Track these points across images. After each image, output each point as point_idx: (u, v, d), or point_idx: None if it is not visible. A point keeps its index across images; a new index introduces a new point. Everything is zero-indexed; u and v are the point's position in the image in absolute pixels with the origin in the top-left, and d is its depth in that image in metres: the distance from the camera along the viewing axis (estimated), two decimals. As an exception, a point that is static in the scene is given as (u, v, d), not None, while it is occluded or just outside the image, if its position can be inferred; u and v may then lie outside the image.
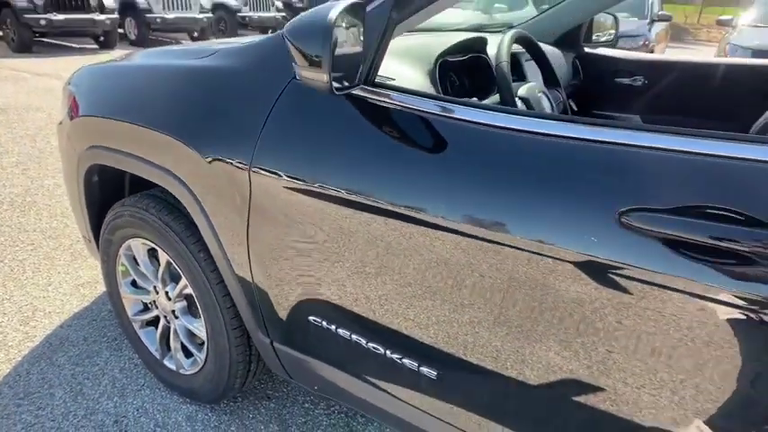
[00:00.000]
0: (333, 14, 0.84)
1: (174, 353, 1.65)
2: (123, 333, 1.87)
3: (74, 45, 9.69)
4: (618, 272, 0.75)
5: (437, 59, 1.33)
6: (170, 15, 10.01)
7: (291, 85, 1.09)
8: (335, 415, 1.66)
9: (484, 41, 1.56)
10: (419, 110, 1.00)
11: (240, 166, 1.14)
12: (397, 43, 1.34)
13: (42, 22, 8.21)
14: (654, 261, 0.72)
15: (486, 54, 1.60)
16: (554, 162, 0.83)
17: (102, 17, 8.85)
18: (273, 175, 1.10)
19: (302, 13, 0.92)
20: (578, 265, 0.78)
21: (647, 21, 7.03)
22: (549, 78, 1.67)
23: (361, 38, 0.93)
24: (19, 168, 3.60)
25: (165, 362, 1.69)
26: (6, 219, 2.83)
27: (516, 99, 1.31)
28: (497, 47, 1.34)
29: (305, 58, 0.91)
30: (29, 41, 8.45)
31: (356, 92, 1.01)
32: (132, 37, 10.30)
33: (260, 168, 1.11)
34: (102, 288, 2.24)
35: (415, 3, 0.98)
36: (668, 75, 2.13)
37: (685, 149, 0.74)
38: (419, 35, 1.56)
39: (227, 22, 11.46)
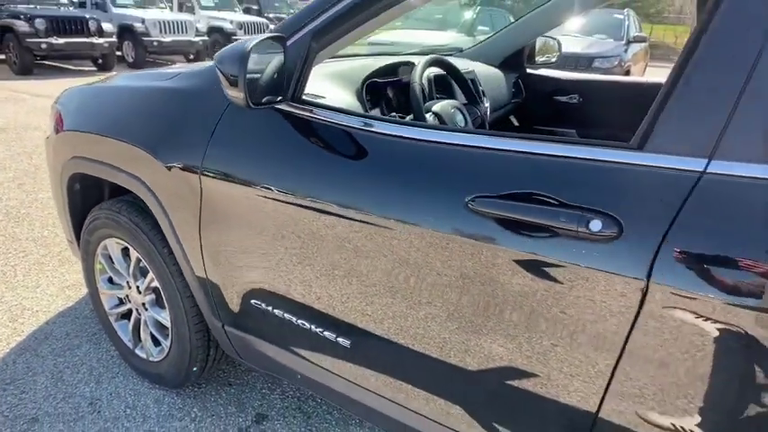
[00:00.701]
0: (249, 45, 1.06)
1: (144, 342, 1.84)
2: (102, 327, 2.06)
3: (73, 67, 10.00)
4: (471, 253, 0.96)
5: (364, 81, 1.56)
6: (166, 39, 10.35)
7: (232, 102, 1.30)
8: (289, 399, 1.84)
9: (411, 65, 1.78)
10: (341, 123, 1.21)
11: (193, 171, 1.35)
12: (332, 67, 1.56)
13: (43, 46, 8.53)
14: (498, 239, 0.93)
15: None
16: (431, 162, 1.04)
17: (101, 41, 9.17)
18: (218, 179, 1.31)
19: (229, 44, 1.14)
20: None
21: (623, 42, 7.33)
22: (468, 97, 1.89)
23: (283, 64, 1.14)
24: (15, 183, 3.81)
25: (137, 351, 1.87)
26: (1, 229, 3.03)
27: (430, 114, 1.53)
28: (413, 70, 1.56)
29: (227, 80, 1.12)
30: (30, 64, 8.75)
31: (283, 107, 1.23)
32: (130, 59, 10.62)
33: (208, 173, 1.32)
34: (85, 290, 2.43)
35: (331, 35, 1.20)
36: (600, 93, 2.35)
37: (520, 150, 0.95)
38: (354, 59, 1.79)
39: (222, 45, 11.80)
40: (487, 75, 2.09)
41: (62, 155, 1.80)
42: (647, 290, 0.79)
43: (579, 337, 0.89)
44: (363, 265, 1.12)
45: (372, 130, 1.14)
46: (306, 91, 1.30)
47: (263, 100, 1.13)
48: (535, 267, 0.89)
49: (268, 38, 1.10)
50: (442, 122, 1.53)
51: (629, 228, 0.81)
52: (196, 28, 10.88)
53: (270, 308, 1.36)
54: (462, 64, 2.05)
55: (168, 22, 10.51)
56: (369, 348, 1.22)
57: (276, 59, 1.15)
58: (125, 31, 10.30)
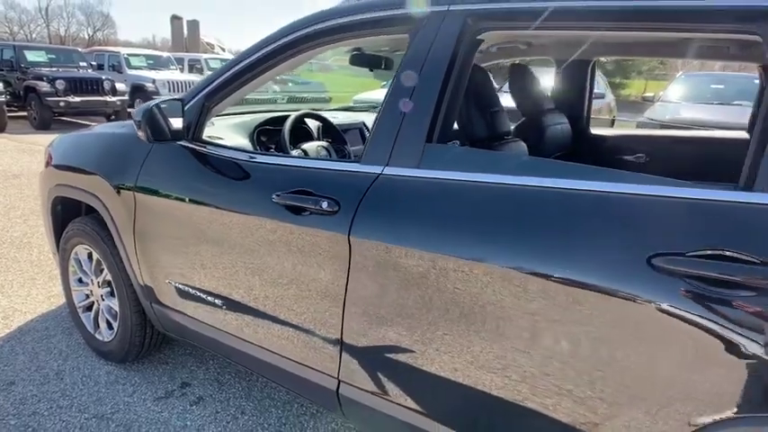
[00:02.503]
0: (151, 103, 1.67)
1: (100, 328, 2.38)
2: (73, 320, 2.60)
3: (88, 122, 10.95)
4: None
5: (255, 128, 2.17)
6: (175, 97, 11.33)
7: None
8: (210, 372, 2.35)
9: (286, 117, 2.38)
10: (228, 156, 1.79)
11: (130, 190, 1.94)
12: (236, 119, 2.17)
13: (62, 104, 9.49)
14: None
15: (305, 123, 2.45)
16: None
17: (114, 99, 10.14)
18: (145, 194, 1.89)
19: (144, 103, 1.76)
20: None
21: (583, 99, 8.06)
22: (335, 138, 2.51)
23: (182, 117, 1.75)
24: (22, 219, 4.46)
25: (96, 335, 2.41)
26: (4, 253, 3.64)
27: (298, 150, 2.13)
28: (285, 122, 2.19)
29: (137, 125, 1.72)
30: (49, 120, 9.69)
31: (185, 143, 1.83)
32: (141, 115, 11.57)
33: (139, 191, 1.91)
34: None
35: (218, 96, 1.81)
36: None
37: (311, 166, 1.52)
38: (254, 115, 2.41)
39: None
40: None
41: (48, 183, 2.42)
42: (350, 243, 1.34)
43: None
44: (243, 251, 1.66)
45: (253, 160, 1.70)
46: (209, 134, 1.91)
47: (165, 138, 1.72)
48: (303, 236, 1.44)
49: (171, 99, 1.72)
50: (308, 156, 2.12)
51: (343, 205, 1.37)
52: (202, 87, 11.86)
53: (179, 285, 1.91)
54: (357, 117, 2.68)
55: (177, 82, 11.54)
56: (246, 311, 1.74)
57: (178, 113, 1.76)
58: (137, 90, 11.32)
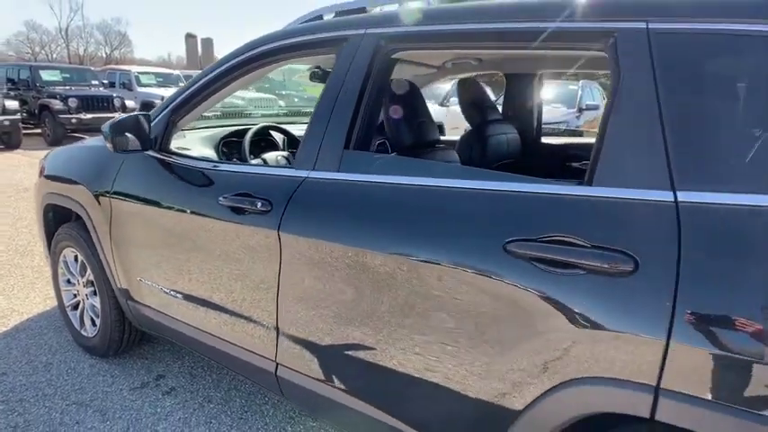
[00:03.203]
0: (117, 119, 1.88)
1: (86, 324, 2.58)
2: (63, 319, 2.81)
3: (100, 138, 11.35)
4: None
5: (220, 140, 2.38)
6: (183, 113, 11.72)
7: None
8: (185, 367, 2.53)
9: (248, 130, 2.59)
10: (190, 165, 1.98)
11: (106, 196, 2.15)
12: (205, 132, 2.38)
13: (74, 121, 9.89)
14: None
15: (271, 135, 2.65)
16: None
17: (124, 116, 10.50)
18: (119, 199, 2.10)
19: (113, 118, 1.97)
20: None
21: (575, 110, 8.21)
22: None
23: (149, 131, 1.96)
24: (27, 229, 4.73)
25: (81, 331, 2.62)
26: (9, 259, 3.89)
27: (259, 159, 2.32)
28: (246, 133, 2.40)
29: (105, 137, 1.93)
30: (61, 136, 10.08)
31: (152, 153, 2.03)
32: (150, 131, 11.98)
33: (114, 196, 2.12)
34: (60, 299, 3.20)
35: (182, 110, 2.02)
36: None
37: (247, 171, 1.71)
38: (221, 128, 2.63)
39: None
40: None
41: (41, 192, 2.64)
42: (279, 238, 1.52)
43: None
44: (196, 249, 1.85)
45: (210, 168, 1.89)
46: (180, 145, 2.12)
47: (127, 149, 1.92)
48: (243, 233, 1.63)
49: (138, 115, 1.93)
50: (267, 165, 2.32)
51: (275, 205, 1.55)
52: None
53: (148, 282, 2.10)
54: None
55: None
56: (201, 303, 1.93)
57: (145, 127, 1.96)
58: (147, 107, 11.68)
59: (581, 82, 8.80)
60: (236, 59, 1.84)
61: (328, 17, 1.77)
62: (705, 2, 1.05)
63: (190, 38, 36.70)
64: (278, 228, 1.52)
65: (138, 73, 13.19)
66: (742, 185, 0.94)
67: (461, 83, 2.59)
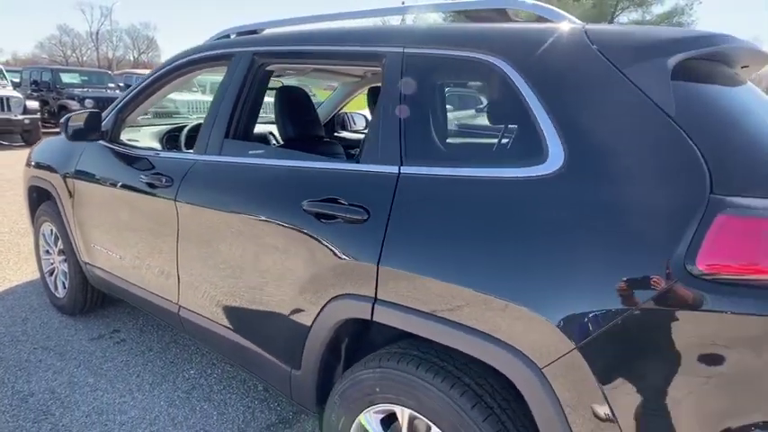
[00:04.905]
0: (71, 115, 2.36)
1: (58, 288, 3.09)
2: (42, 284, 3.32)
3: (115, 138, 12.06)
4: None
5: (164, 134, 2.86)
6: (193, 115, 12.34)
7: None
8: (138, 323, 3.01)
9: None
10: (138, 153, 2.47)
11: (69, 176, 2.65)
12: (155, 128, 2.87)
13: (89, 120, 10.56)
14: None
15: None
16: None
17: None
18: (80, 180, 2.59)
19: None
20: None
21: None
22: None
23: (99, 124, 2.44)
24: (31, 215, 5.31)
25: (56, 294, 3.12)
26: (10, 239, 4.45)
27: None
28: (182, 129, 2.88)
29: (60, 128, 2.42)
30: (78, 135, 10.77)
31: (104, 143, 2.52)
32: (162, 132, 12.65)
33: (76, 177, 2.61)
34: (46, 271, 3.72)
35: (128, 108, 2.50)
36: None
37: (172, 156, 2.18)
38: (169, 125, 3.11)
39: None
40: None
41: (26, 176, 3.17)
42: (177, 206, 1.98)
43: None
44: (127, 217, 2.33)
45: (149, 156, 2.36)
46: (131, 137, 2.61)
47: (78, 137, 2.41)
48: (154, 203, 2.08)
49: (90, 110, 2.42)
50: None
51: (175, 181, 2.01)
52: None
53: (99, 248, 2.59)
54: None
55: (197, 102, 12.56)
56: (131, 262, 2.40)
57: (98, 121, 2.45)
58: (159, 109, 12.38)
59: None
60: (164, 69, 2.32)
61: (234, 36, 2.23)
62: (430, 34, 1.49)
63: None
64: (175, 198, 1.98)
65: (154, 77, 13.91)
66: (441, 161, 1.37)
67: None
